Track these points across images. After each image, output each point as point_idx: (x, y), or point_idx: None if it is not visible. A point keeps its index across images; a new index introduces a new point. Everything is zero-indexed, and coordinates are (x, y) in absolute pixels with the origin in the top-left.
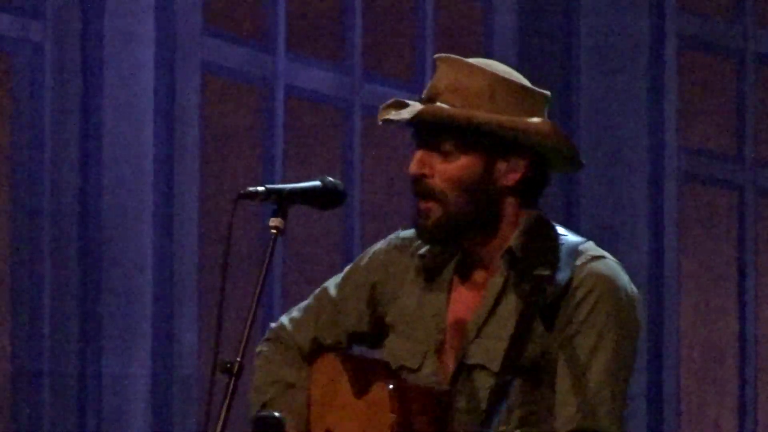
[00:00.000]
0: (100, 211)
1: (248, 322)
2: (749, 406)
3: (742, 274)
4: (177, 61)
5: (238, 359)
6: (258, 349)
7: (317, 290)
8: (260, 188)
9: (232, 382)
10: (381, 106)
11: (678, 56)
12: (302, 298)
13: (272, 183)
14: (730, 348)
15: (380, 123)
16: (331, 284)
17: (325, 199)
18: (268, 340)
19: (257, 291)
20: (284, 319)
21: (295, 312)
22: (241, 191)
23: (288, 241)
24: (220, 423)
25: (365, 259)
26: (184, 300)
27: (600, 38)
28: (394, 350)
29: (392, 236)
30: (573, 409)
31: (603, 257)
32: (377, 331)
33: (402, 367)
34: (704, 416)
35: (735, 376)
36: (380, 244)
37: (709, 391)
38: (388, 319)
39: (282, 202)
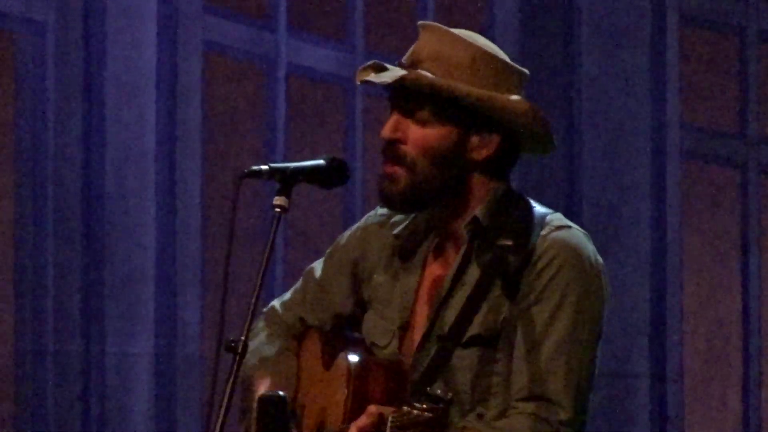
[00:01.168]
0: (103, 190)
1: (252, 301)
2: (753, 384)
3: (745, 252)
4: (179, 39)
5: (243, 338)
6: (252, 327)
7: (305, 271)
8: (264, 167)
9: (237, 360)
10: (359, 68)
11: (680, 33)
12: None
13: (275, 162)
14: (734, 326)
15: (358, 84)
16: (317, 265)
17: (329, 177)
18: (261, 321)
19: (261, 270)
20: (276, 302)
21: (286, 294)
22: (245, 170)
23: (290, 221)
24: (225, 402)
25: (345, 238)
26: (187, 279)
27: (601, 15)
28: (368, 327)
29: (371, 213)
30: (525, 377)
31: (568, 227)
32: (360, 311)
33: (373, 344)
34: (709, 394)
35: (739, 354)
36: (359, 223)
37: (714, 370)
38: (365, 296)
39: (286, 180)
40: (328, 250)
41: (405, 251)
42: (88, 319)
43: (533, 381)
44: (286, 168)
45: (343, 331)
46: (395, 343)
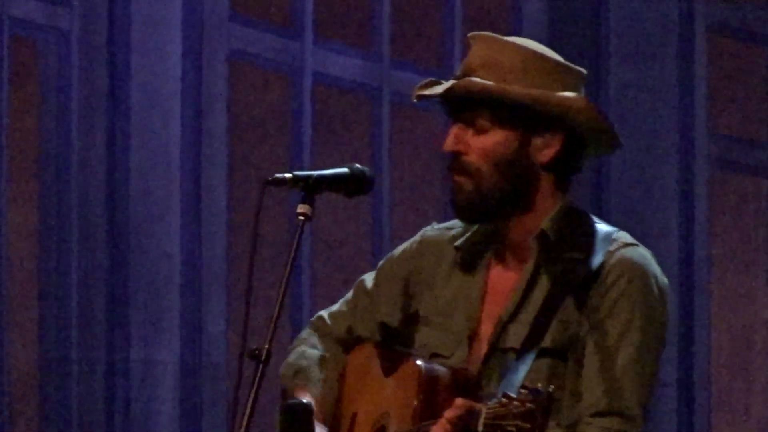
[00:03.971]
0: (127, 199)
1: (276, 309)
2: None
3: None
4: (204, 47)
5: (266, 346)
6: (297, 337)
7: (356, 282)
8: (287, 175)
9: (260, 368)
10: (416, 86)
11: (708, 43)
12: (330, 285)
13: (300, 170)
14: (760, 334)
15: (414, 101)
16: (368, 276)
17: (353, 186)
18: (306, 329)
19: (285, 278)
20: (324, 312)
21: (335, 305)
22: (269, 178)
23: (316, 228)
24: (248, 409)
25: (399, 251)
26: (212, 287)
27: (629, 25)
28: (427, 341)
29: (427, 228)
30: (599, 393)
31: (636, 245)
32: (406, 326)
33: (434, 355)
34: (734, 403)
35: (765, 362)
36: (415, 237)
37: (739, 378)
38: (420, 311)
39: (309, 189)
40: (380, 262)
41: (466, 263)
42: (113, 326)
43: (608, 396)
44: (309, 176)
45: (396, 343)
46: (461, 352)
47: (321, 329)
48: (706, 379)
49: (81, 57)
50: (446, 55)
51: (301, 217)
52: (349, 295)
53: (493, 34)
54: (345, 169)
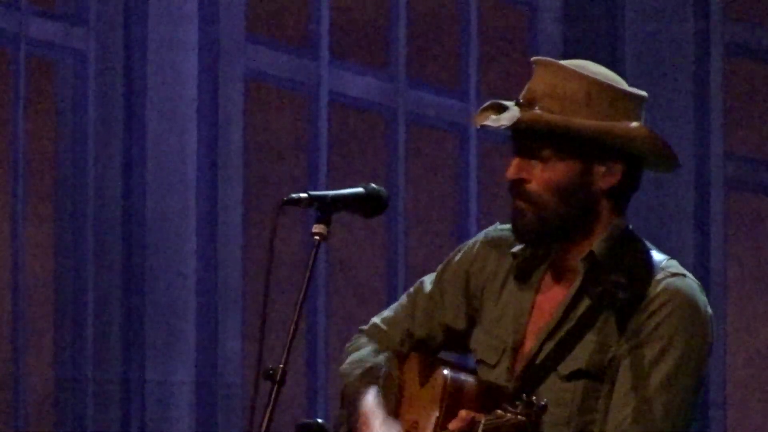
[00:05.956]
0: (143, 219)
1: (291, 329)
2: None
3: None
4: (220, 67)
5: (281, 366)
6: (348, 344)
7: (411, 288)
8: (303, 195)
9: (276, 388)
10: (478, 110)
11: (723, 63)
12: (345, 305)
13: (316, 190)
14: None
15: (478, 128)
16: (427, 280)
17: (368, 206)
18: (361, 338)
19: (300, 298)
20: (376, 319)
21: (387, 311)
22: (285, 198)
23: (332, 248)
24: (264, 429)
25: (460, 253)
26: (228, 307)
27: (645, 45)
28: (477, 343)
29: (490, 228)
30: (626, 411)
31: (683, 275)
32: (470, 328)
33: (480, 361)
34: (749, 424)
35: None
36: (476, 237)
37: (755, 399)
38: (478, 309)
39: (325, 208)
40: (440, 266)
41: (521, 273)
42: (128, 347)
43: (635, 415)
44: (325, 196)
45: (444, 357)
46: (506, 363)
47: (376, 337)
48: (722, 401)
49: (97, 77)
50: (462, 75)
51: (317, 237)
52: (404, 299)
53: (556, 61)
54: (360, 189)
